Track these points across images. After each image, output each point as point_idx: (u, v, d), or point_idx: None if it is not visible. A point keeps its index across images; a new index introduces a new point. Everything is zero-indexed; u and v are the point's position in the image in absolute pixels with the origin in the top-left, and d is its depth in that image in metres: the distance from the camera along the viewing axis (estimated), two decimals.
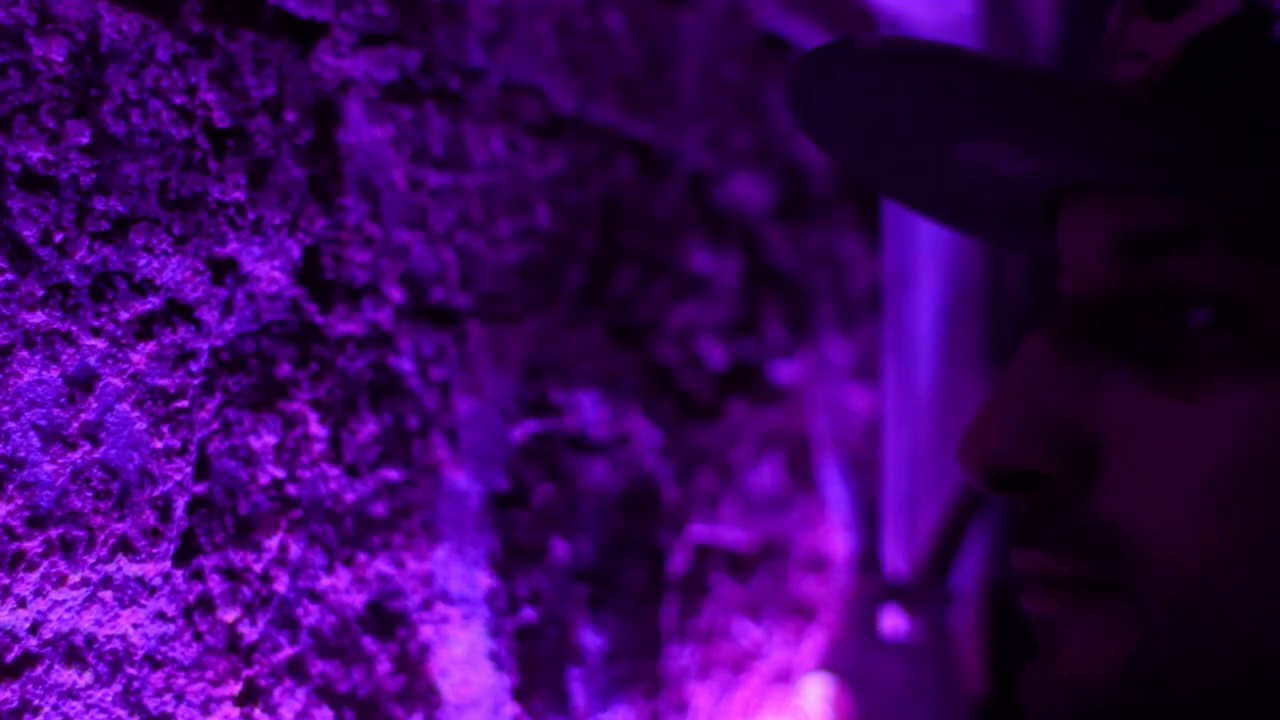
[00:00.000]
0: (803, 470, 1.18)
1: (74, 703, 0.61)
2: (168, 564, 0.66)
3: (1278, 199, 0.42)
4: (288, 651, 0.72)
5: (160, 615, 0.65)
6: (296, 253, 0.73)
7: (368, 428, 0.77)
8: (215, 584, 0.68)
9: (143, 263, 0.65)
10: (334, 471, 0.75)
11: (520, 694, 0.86)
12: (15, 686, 0.59)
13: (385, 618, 0.77)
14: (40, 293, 0.60)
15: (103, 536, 0.63)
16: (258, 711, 0.70)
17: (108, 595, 0.63)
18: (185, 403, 0.67)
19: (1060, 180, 0.49)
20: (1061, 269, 0.50)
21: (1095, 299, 0.47)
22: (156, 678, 0.65)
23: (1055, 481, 0.47)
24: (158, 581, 0.65)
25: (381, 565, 0.77)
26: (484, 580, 0.84)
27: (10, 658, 0.59)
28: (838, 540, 1.23)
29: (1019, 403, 0.47)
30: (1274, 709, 0.44)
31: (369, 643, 0.76)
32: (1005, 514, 1.34)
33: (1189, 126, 0.42)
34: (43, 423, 0.60)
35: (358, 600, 0.76)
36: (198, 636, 0.67)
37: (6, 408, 0.59)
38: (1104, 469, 0.46)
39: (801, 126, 0.53)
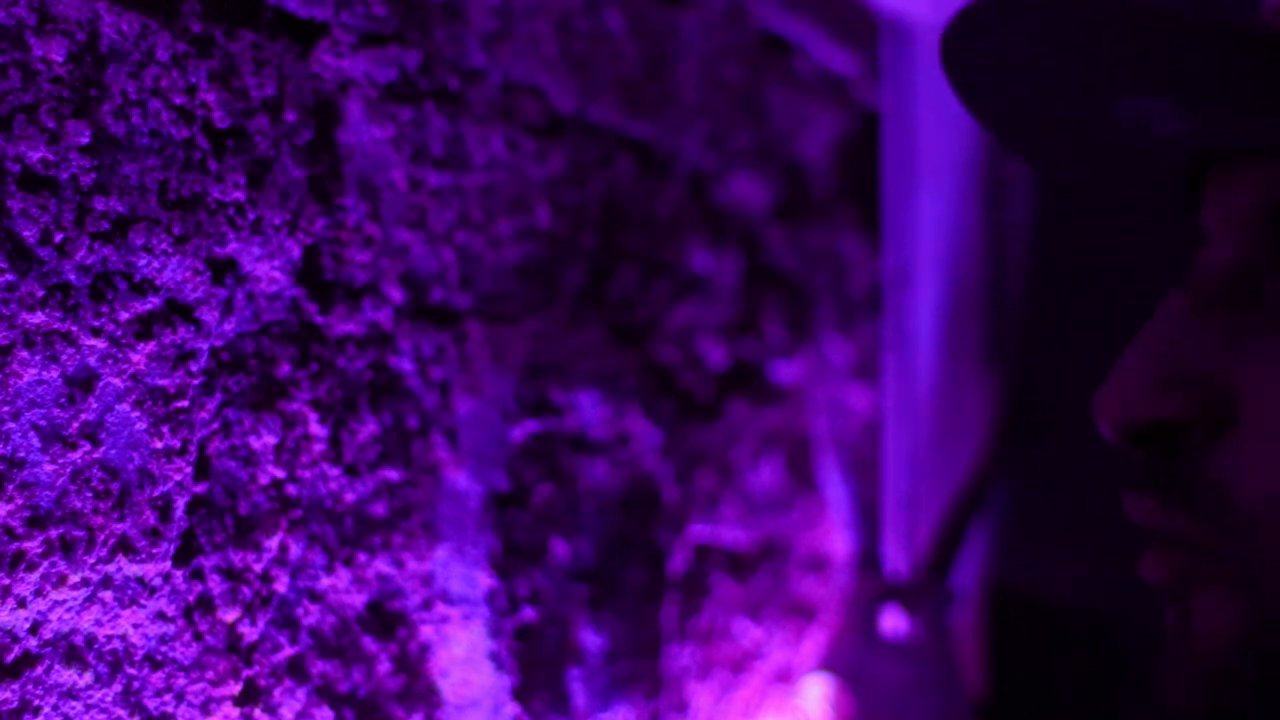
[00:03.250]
0: (803, 470, 1.18)
1: (74, 703, 0.61)
2: (168, 564, 0.66)
3: None
4: (288, 651, 0.72)
5: (160, 615, 0.65)
6: (296, 253, 0.73)
7: (368, 428, 0.77)
8: (215, 584, 0.68)
9: (143, 263, 0.65)
10: (334, 471, 0.75)
11: (520, 694, 0.86)
12: (15, 686, 0.59)
13: (385, 618, 0.77)
14: (40, 293, 0.60)
15: (103, 536, 0.63)
16: (258, 711, 0.70)
17: (108, 595, 0.63)
18: (185, 403, 0.67)
19: (1213, 142, 0.49)
20: (1206, 234, 0.50)
21: (1239, 263, 0.48)
22: (156, 678, 0.65)
23: (1190, 432, 0.47)
24: (158, 581, 0.65)
25: (381, 565, 0.77)
26: (484, 580, 0.84)
27: (10, 658, 0.59)
28: (838, 540, 1.23)
29: (1158, 355, 0.48)
30: None
31: (369, 643, 0.76)
32: (1005, 514, 1.34)
33: None
34: (43, 423, 0.60)
35: (358, 600, 0.76)
36: (198, 636, 0.67)
37: (6, 408, 0.59)
38: (1236, 426, 0.46)
39: (955, 86, 0.52)
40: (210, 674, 0.68)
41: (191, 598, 0.67)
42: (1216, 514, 0.46)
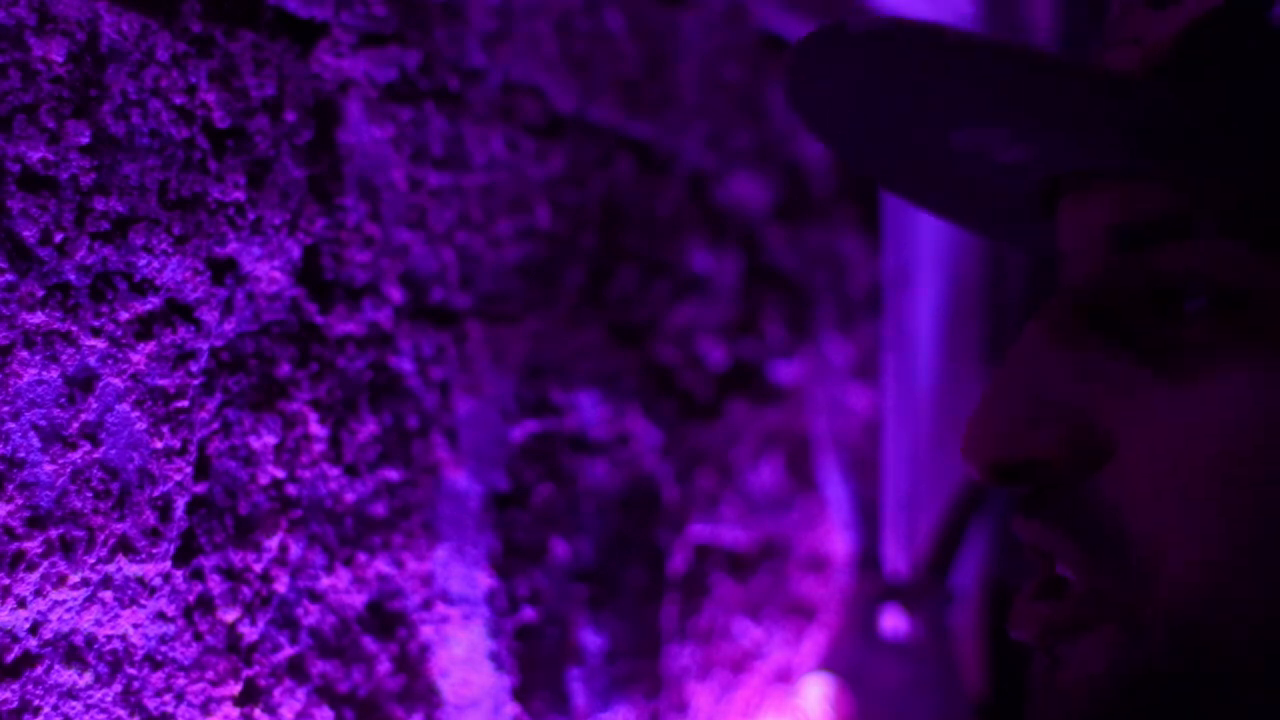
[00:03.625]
0: (803, 470, 1.18)
1: (74, 703, 0.61)
2: (168, 564, 0.66)
3: (1270, 182, 0.42)
4: (288, 651, 0.72)
5: (160, 615, 0.65)
6: (296, 253, 0.73)
7: (368, 428, 0.77)
8: (215, 584, 0.68)
9: (143, 263, 0.65)
10: (334, 471, 0.75)
11: (520, 694, 0.86)
12: (15, 687, 0.59)
13: (385, 618, 0.77)
14: (40, 293, 0.60)
15: (103, 536, 0.63)
16: (258, 711, 0.70)
17: (108, 595, 0.63)
18: (185, 403, 0.67)
19: (1055, 168, 0.49)
20: (1059, 260, 0.50)
21: (1092, 289, 0.48)
22: (156, 678, 0.65)
23: (1059, 469, 0.46)
24: (158, 581, 0.65)
25: (381, 565, 0.77)
26: (484, 580, 0.84)
27: (10, 658, 0.59)
28: (838, 540, 1.23)
29: (1019, 391, 0.47)
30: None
31: (369, 643, 0.76)
32: (1005, 514, 1.34)
33: (1183, 105, 0.42)
34: (43, 423, 0.60)
35: (358, 600, 0.76)
36: (198, 636, 0.67)
37: (6, 408, 0.59)
38: (1107, 456, 0.46)
39: (800, 116, 0.52)
40: (210, 674, 0.68)
41: (191, 598, 0.67)
42: (1101, 536, 0.46)
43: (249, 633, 0.70)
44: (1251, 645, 0.44)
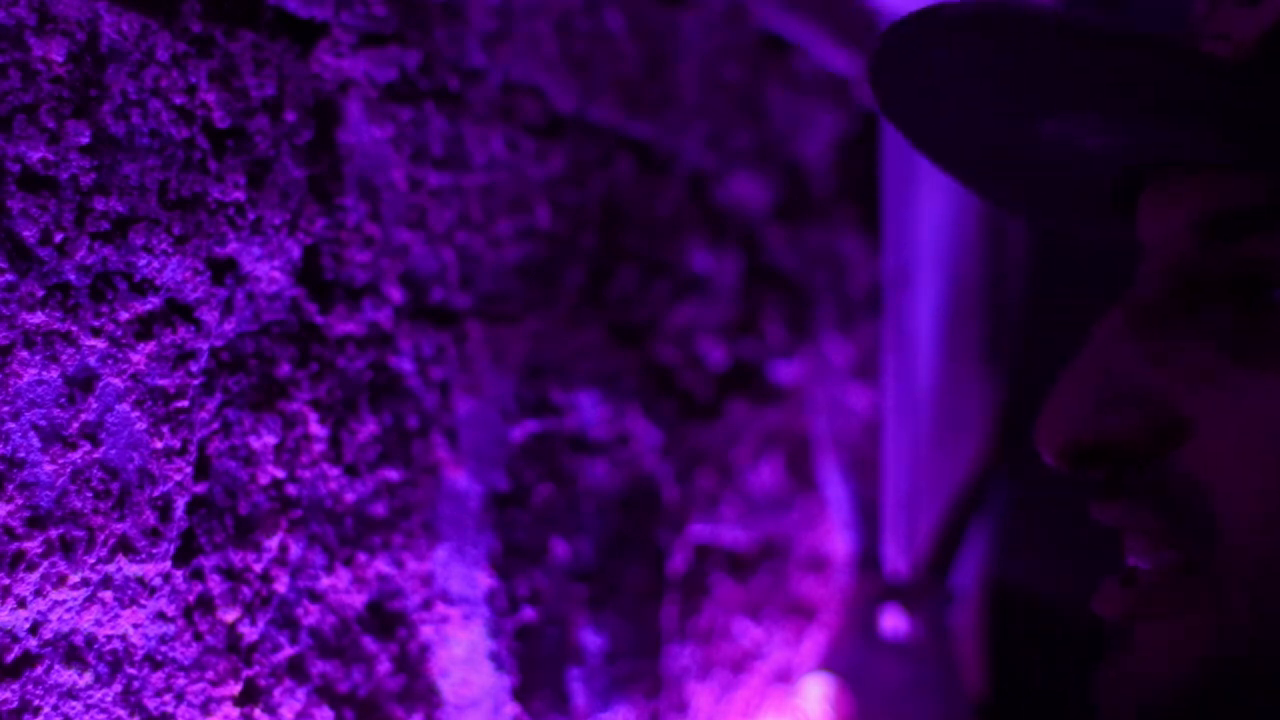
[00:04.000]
0: (803, 470, 1.18)
1: (74, 703, 0.61)
2: (168, 564, 0.66)
3: None
4: (288, 651, 0.72)
5: (160, 615, 0.65)
6: (296, 253, 0.73)
7: (368, 428, 0.77)
8: (215, 584, 0.68)
9: (143, 263, 0.65)
10: (334, 471, 0.75)
11: (520, 694, 0.86)
12: (15, 686, 0.59)
13: (385, 618, 0.77)
14: (40, 293, 0.60)
15: (103, 536, 0.63)
16: (258, 711, 0.70)
17: (108, 595, 0.63)
18: (185, 403, 0.67)
19: (1144, 157, 0.49)
20: (1140, 249, 0.50)
21: (1176, 276, 0.48)
22: (156, 678, 0.65)
23: (1134, 452, 0.47)
24: (158, 581, 0.65)
25: (381, 565, 0.77)
26: (484, 580, 0.84)
27: (10, 658, 0.59)
28: (838, 540, 1.23)
29: (1097, 376, 0.47)
30: None
31: (369, 643, 0.76)
32: (1005, 514, 1.34)
33: (1276, 93, 0.42)
34: (43, 423, 0.60)
35: (358, 600, 0.76)
36: (198, 636, 0.67)
37: (6, 408, 0.59)
38: (1183, 441, 0.46)
39: (882, 104, 0.52)
40: (210, 674, 0.68)
41: (191, 598, 0.67)
42: (1187, 511, 0.46)
43: (249, 633, 0.70)
44: None
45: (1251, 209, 0.45)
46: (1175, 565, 0.47)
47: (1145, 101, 0.45)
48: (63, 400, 0.61)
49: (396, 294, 0.79)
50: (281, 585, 0.71)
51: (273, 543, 0.71)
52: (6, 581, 0.59)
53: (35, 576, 0.60)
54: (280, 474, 0.72)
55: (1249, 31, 0.45)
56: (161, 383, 0.66)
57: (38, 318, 0.60)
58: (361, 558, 0.76)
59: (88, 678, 0.62)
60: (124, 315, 0.64)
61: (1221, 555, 0.45)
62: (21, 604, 0.59)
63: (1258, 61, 0.45)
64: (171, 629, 0.66)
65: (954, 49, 0.47)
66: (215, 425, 0.68)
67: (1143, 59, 0.43)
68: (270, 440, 0.71)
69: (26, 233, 0.60)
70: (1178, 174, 0.48)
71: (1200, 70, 0.43)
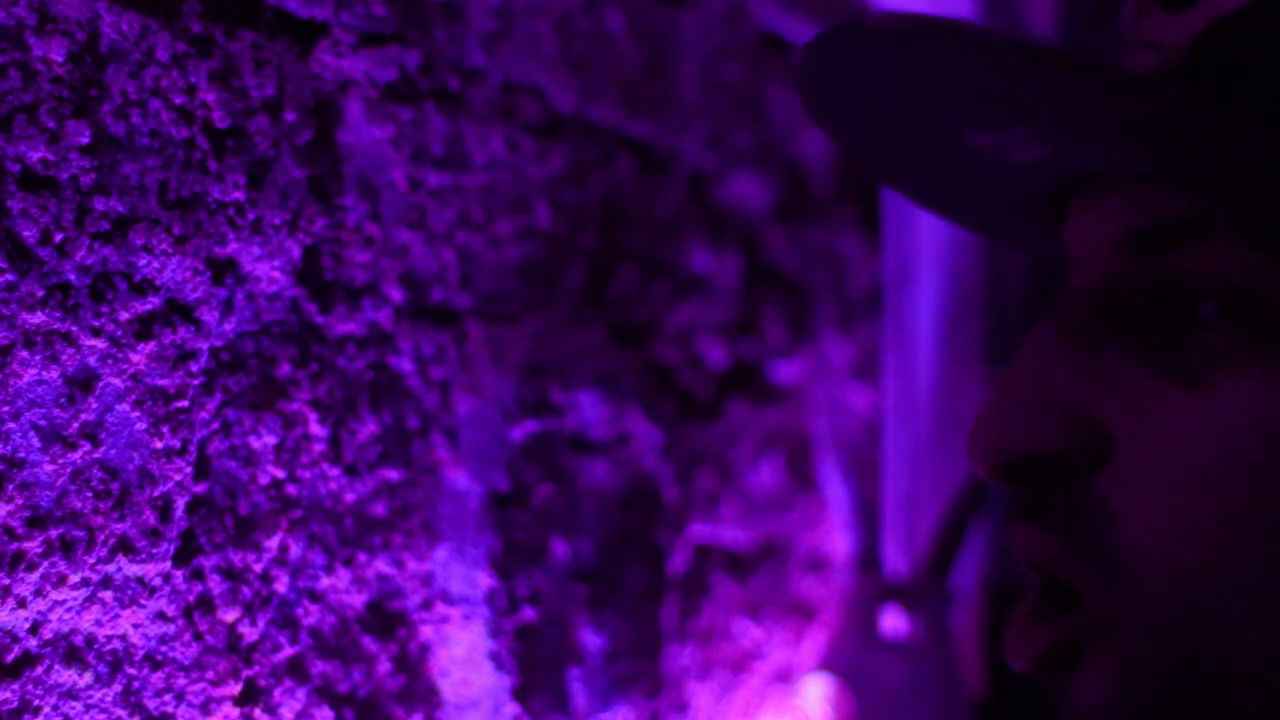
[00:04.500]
0: (803, 470, 1.18)
1: (74, 703, 0.61)
2: (168, 564, 0.66)
3: None
4: (288, 651, 0.72)
5: (160, 615, 0.65)
6: (296, 253, 0.73)
7: (368, 428, 0.77)
8: (215, 584, 0.68)
9: (143, 263, 0.65)
10: (334, 471, 0.75)
11: (520, 694, 0.86)
12: (15, 686, 0.59)
13: (385, 618, 0.77)
14: (40, 293, 0.60)
15: (103, 536, 0.63)
16: (258, 711, 0.70)
17: (108, 595, 0.63)
18: (185, 403, 0.67)
19: (1071, 168, 0.48)
20: (1070, 262, 0.50)
21: (1104, 290, 0.47)
22: (156, 678, 0.65)
23: (1064, 463, 0.46)
24: (158, 581, 0.65)
25: (381, 565, 0.77)
26: (484, 580, 0.84)
27: (10, 658, 0.59)
28: (838, 540, 1.23)
29: (1025, 388, 0.47)
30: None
31: (369, 643, 0.76)
32: (1005, 514, 1.34)
33: (1202, 105, 0.42)
34: (43, 423, 0.60)
35: (358, 600, 0.76)
36: (198, 636, 0.67)
37: (6, 408, 0.59)
38: (1111, 454, 0.46)
39: (811, 113, 0.52)
40: (210, 674, 0.68)
41: (191, 598, 0.67)
42: (1095, 543, 0.45)
43: (249, 633, 0.70)
44: (1241, 656, 0.43)
45: (1177, 222, 0.45)
46: (1078, 592, 0.46)
47: (1068, 117, 0.45)
48: (63, 400, 0.61)
49: (396, 294, 0.79)
50: (281, 585, 0.71)
51: (273, 543, 0.71)
52: (6, 581, 0.59)
53: (35, 576, 0.60)
54: (280, 474, 0.72)
55: (1178, 39, 0.45)
56: (161, 383, 0.66)
57: (38, 318, 0.60)
58: (361, 558, 0.76)
59: (88, 678, 0.62)
60: (124, 315, 0.64)
61: (1124, 587, 0.45)
62: (21, 604, 0.59)
63: (1185, 71, 0.44)
64: (171, 629, 0.66)
65: (876, 63, 0.47)
66: (215, 425, 0.68)
67: (1063, 76, 0.43)
68: (270, 440, 0.71)
69: (26, 233, 0.60)
70: (1105, 185, 0.47)
71: (1121, 86, 0.42)
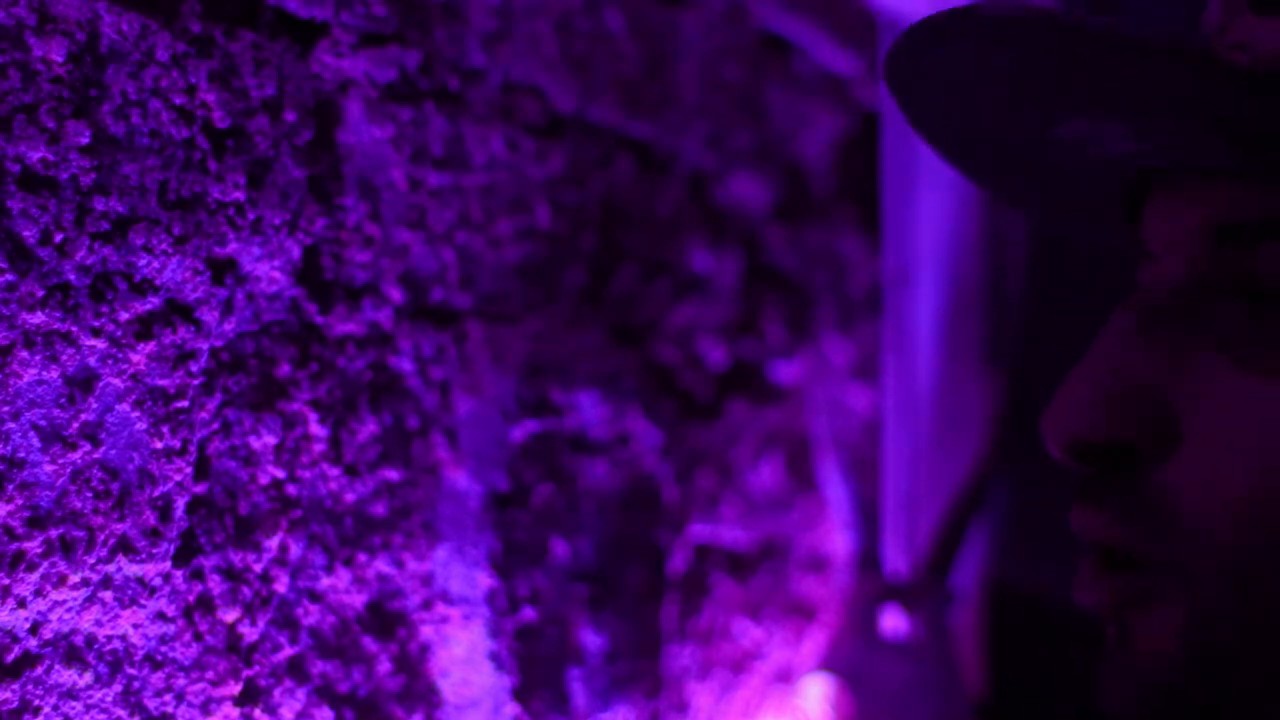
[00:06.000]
0: (803, 470, 1.18)
1: (74, 703, 0.61)
2: (168, 564, 0.66)
3: None
4: (288, 652, 0.72)
5: (160, 615, 0.65)
6: (296, 253, 0.73)
7: (368, 428, 0.77)
8: (215, 584, 0.68)
9: (143, 263, 0.65)
10: (334, 471, 0.75)
11: (520, 694, 0.86)
12: (15, 687, 0.59)
13: (385, 618, 0.77)
14: (40, 293, 0.60)
15: (103, 537, 0.63)
16: (258, 712, 0.70)
17: (108, 595, 0.63)
18: (185, 403, 0.67)
19: (1158, 161, 0.49)
20: (1147, 254, 0.51)
21: (1184, 282, 0.48)
22: (157, 678, 0.65)
23: (1136, 450, 0.47)
24: (158, 582, 0.65)
25: (381, 565, 0.77)
26: (484, 580, 0.84)
27: (10, 658, 0.59)
28: (838, 540, 1.23)
29: (1105, 374, 0.48)
30: None
31: (369, 643, 0.76)
32: (1005, 514, 1.34)
33: None
34: (43, 423, 0.60)
35: (358, 600, 0.76)
36: (198, 637, 0.67)
37: (6, 408, 0.59)
38: (1182, 442, 0.47)
39: (900, 102, 0.53)
40: (210, 674, 0.68)
41: (191, 598, 0.67)
42: (1160, 528, 0.46)
43: (249, 633, 0.70)
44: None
45: (1263, 220, 0.46)
46: (1142, 563, 0.47)
47: (1166, 109, 0.46)
48: (63, 400, 0.61)
49: (396, 294, 0.79)
50: (281, 585, 0.71)
51: (273, 543, 0.71)
52: (6, 581, 0.59)
53: (35, 576, 0.60)
54: (280, 474, 0.72)
55: (1268, 43, 0.45)
56: (161, 383, 0.66)
57: (38, 318, 0.60)
58: (361, 558, 0.76)
59: (88, 678, 0.62)
60: (124, 315, 0.64)
61: (1194, 554, 0.46)
62: (21, 604, 0.59)
63: (1278, 74, 0.45)
64: (171, 629, 0.66)
65: (976, 49, 0.48)
66: (215, 425, 0.68)
67: (1165, 66, 0.44)
68: (270, 440, 0.71)
69: (26, 233, 0.60)
70: (1191, 180, 0.48)
71: (1223, 80, 0.43)
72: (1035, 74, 0.48)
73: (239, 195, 0.69)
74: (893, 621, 1.20)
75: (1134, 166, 0.50)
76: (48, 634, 0.60)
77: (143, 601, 0.64)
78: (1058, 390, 0.49)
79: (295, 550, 0.72)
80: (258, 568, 0.70)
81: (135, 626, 0.64)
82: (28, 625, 0.60)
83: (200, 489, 0.67)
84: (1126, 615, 0.48)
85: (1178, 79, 0.44)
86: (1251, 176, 0.46)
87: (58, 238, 0.61)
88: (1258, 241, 0.46)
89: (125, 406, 0.64)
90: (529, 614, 0.88)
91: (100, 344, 0.63)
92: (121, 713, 0.63)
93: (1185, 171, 0.48)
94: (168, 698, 0.66)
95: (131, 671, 0.64)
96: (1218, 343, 0.47)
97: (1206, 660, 0.46)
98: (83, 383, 0.62)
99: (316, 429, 0.74)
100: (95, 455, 0.62)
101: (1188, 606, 0.46)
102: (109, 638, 0.63)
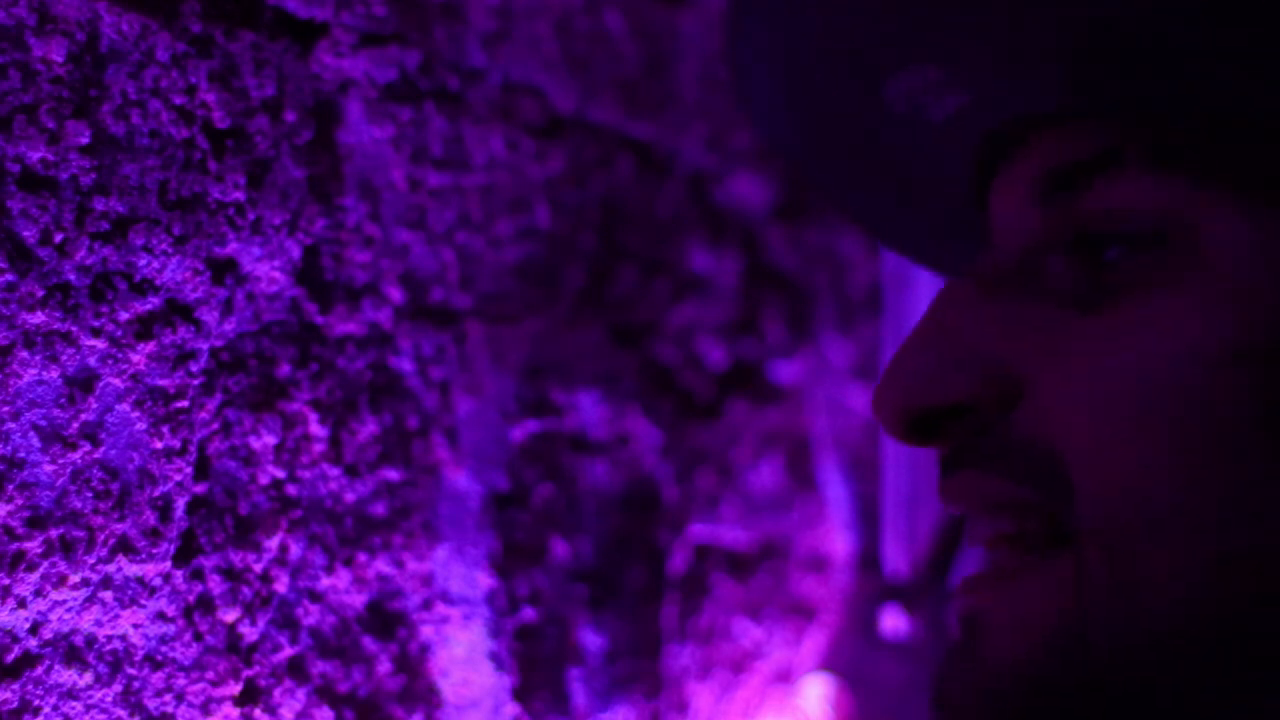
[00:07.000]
0: (803, 470, 1.18)
1: (74, 703, 0.61)
2: (168, 564, 0.66)
3: (1201, 109, 0.42)
4: (288, 652, 0.72)
5: (160, 615, 0.65)
6: (296, 253, 0.73)
7: (368, 428, 0.77)
8: (215, 584, 0.68)
9: (143, 263, 0.65)
10: (334, 471, 0.75)
11: (520, 694, 0.86)
12: (15, 687, 0.59)
13: (385, 618, 0.77)
14: (40, 293, 0.60)
15: (103, 537, 0.63)
16: (258, 712, 0.70)
17: (108, 595, 0.63)
18: (185, 403, 0.67)
19: (991, 120, 0.48)
20: (990, 233, 0.50)
21: (1018, 247, 0.47)
22: (157, 678, 0.65)
23: (978, 412, 0.45)
24: (158, 582, 0.65)
25: (381, 565, 0.77)
26: (484, 580, 0.84)
27: (10, 658, 0.59)
28: (838, 540, 1.23)
29: (934, 341, 0.46)
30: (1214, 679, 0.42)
31: (369, 643, 0.76)
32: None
33: (1112, 25, 0.41)
34: (43, 423, 0.60)
35: (358, 600, 0.76)
36: (198, 637, 0.67)
37: (6, 408, 0.59)
38: (1026, 394, 0.45)
39: (739, 100, 0.52)
40: (210, 674, 0.68)
41: (191, 598, 0.67)
42: (1039, 469, 0.44)
43: (249, 633, 0.70)
44: (1174, 572, 0.42)
45: (1091, 157, 0.44)
46: (1033, 531, 0.45)
47: (993, 50, 0.44)
48: (63, 400, 0.61)
49: (396, 294, 0.79)
50: (281, 585, 0.71)
51: (273, 543, 0.71)
52: (6, 581, 0.59)
53: (35, 576, 0.60)
54: (280, 474, 0.72)
55: None
56: (161, 383, 0.66)
57: (38, 318, 0.60)
58: (361, 558, 0.76)
59: (88, 678, 0.62)
60: (124, 315, 0.64)
61: (1078, 510, 0.43)
62: (21, 604, 0.59)
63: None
64: (171, 629, 0.66)
65: (788, 15, 0.46)
66: (215, 425, 0.68)
67: (973, 5, 0.43)
68: (270, 440, 0.71)
69: (26, 233, 0.60)
70: (1028, 142, 0.47)
71: (1051, 6, 0.42)
72: (855, 28, 0.46)
73: (239, 195, 0.69)
74: (893, 621, 1.20)
75: (969, 137, 0.49)
76: (48, 634, 0.60)
77: (143, 601, 0.64)
78: (886, 364, 0.47)
79: (295, 550, 0.72)
80: (258, 568, 0.70)
81: (135, 626, 0.64)
82: (28, 625, 0.60)
83: (200, 489, 0.67)
84: (987, 609, 0.46)
85: (1002, 12, 0.43)
86: (1084, 115, 0.44)
87: (58, 238, 0.61)
88: (1088, 186, 0.44)
89: (125, 406, 0.64)
90: (529, 614, 0.88)
91: (100, 344, 0.63)
92: (121, 713, 0.63)
93: (1023, 137, 0.47)
94: (168, 698, 0.66)
95: (131, 671, 0.64)
96: (1052, 297, 0.45)
97: (1076, 645, 0.43)
98: (83, 383, 0.62)
99: (316, 429, 0.74)
100: (95, 455, 0.62)
101: (1072, 580, 0.43)
102: (109, 638, 0.63)
